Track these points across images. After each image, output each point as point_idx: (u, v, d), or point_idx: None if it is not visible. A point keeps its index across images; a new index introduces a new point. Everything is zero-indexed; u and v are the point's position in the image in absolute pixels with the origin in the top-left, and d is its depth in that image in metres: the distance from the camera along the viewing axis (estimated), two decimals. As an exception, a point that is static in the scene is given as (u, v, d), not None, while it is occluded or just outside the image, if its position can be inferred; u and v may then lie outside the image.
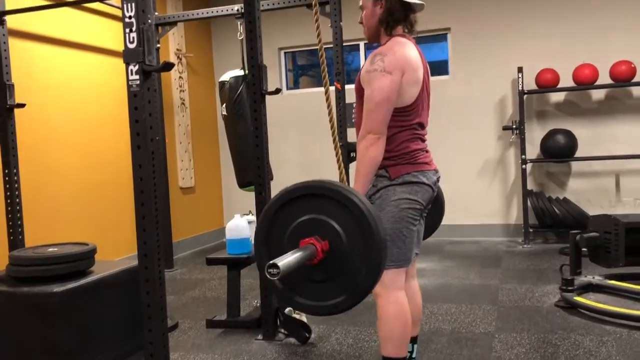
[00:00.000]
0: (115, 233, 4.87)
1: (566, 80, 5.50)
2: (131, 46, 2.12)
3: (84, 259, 2.87)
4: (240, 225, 3.59)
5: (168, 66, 2.17)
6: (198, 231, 6.29)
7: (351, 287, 1.83)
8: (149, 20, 2.16)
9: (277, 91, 3.20)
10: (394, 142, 2.26)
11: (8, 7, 3.64)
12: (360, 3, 2.39)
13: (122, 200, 4.89)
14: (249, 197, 3.90)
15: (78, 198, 4.59)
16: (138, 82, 2.13)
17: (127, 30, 2.12)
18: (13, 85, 3.59)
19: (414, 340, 2.54)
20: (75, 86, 4.64)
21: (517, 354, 2.84)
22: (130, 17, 2.12)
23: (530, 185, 5.80)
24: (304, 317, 3.27)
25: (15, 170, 3.59)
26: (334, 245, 1.82)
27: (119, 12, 5.05)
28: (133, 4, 2.12)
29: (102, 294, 2.82)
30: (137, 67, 2.12)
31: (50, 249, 2.90)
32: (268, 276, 1.65)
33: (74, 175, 4.57)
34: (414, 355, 2.55)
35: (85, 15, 4.79)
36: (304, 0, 4.58)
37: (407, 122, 2.27)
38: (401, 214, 2.23)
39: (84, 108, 4.70)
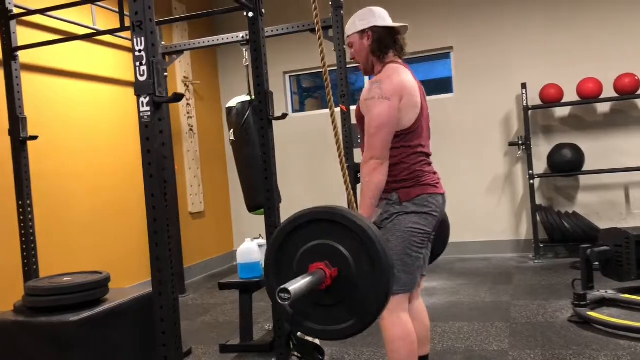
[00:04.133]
0: (127, 260, 4.91)
1: (570, 95, 5.54)
2: (142, 79, 2.18)
3: (99, 287, 2.89)
4: (251, 249, 3.63)
5: (178, 97, 2.22)
6: (208, 255, 6.32)
7: (360, 311, 1.84)
8: (159, 54, 2.21)
9: (284, 116, 3.25)
10: (401, 166, 2.31)
11: (20, 43, 3.74)
12: (347, 41, 2.48)
13: (132, 227, 4.95)
14: (258, 221, 3.94)
15: (90, 227, 4.64)
16: (149, 113, 2.18)
17: (138, 63, 2.18)
18: (26, 119, 3.67)
19: (425, 358, 2.55)
20: (85, 116, 4.73)
21: (532, 371, 2.84)
22: (140, 51, 2.18)
23: (539, 200, 5.80)
24: (317, 340, 3.28)
25: (28, 202, 3.65)
26: (343, 270, 1.83)
27: (126, 43, 5.18)
28: (143, 39, 2.18)
29: (117, 321, 2.83)
30: (147, 99, 2.18)
31: (66, 279, 2.94)
32: (279, 301, 1.67)
33: (86, 204, 4.63)
34: (427, 375, 2.55)
35: (94, 47, 4.90)
36: (308, 25, 4.67)
37: (410, 145, 2.32)
38: (411, 239, 2.27)
39: (94, 138, 4.79)
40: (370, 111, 2.24)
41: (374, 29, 2.38)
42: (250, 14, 3.20)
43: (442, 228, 2.56)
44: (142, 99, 2.18)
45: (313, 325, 1.92)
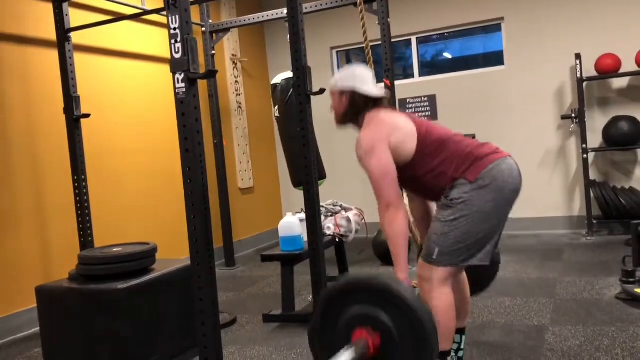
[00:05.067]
0: (178, 232, 5.09)
1: (628, 65, 5.29)
2: (177, 56, 2.26)
3: (146, 257, 3.04)
4: (293, 223, 3.70)
5: (211, 73, 2.30)
6: (258, 230, 6.47)
7: None
8: (192, 31, 2.28)
9: (321, 91, 3.27)
10: (445, 161, 2.31)
11: (72, 25, 3.91)
12: (329, 91, 2.56)
13: (182, 201, 5.11)
14: (302, 196, 4.00)
15: (143, 200, 4.85)
16: (184, 89, 2.26)
17: (173, 41, 2.25)
18: (79, 97, 3.85)
19: (461, 331, 2.56)
20: (134, 94, 4.90)
21: (571, 346, 2.80)
22: (175, 29, 2.25)
23: (593, 175, 5.61)
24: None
25: (83, 177, 3.85)
26: (386, 339, 1.90)
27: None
28: (177, 16, 2.24)
29: (163, 290, 2.98)
30: (182, 75, 2.25)
31: (115, 249, 3.10)
32: None
33: (137, 179, 4.83)
34: (462, 347, 2.57)
35: (143, 26, 5.04)
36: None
37: (435, 147, 2.34)
38: (485, 218, 2.24)
39: (144, 114, 4.96)
40: (366, 167, 2.33)
41: (353, 92, 2.45)
42: (289, -10, 3.22)
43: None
44: (177, 75, 2.26)
45: None
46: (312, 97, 3.26)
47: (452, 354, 2.50)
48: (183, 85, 2.26)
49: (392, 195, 2.27)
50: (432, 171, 2.33)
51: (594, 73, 5.42)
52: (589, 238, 5.35)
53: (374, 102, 2.46)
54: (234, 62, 6.24)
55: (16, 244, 3.84)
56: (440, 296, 2.28)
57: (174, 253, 4.55)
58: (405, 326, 1.88)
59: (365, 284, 2.03)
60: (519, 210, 5.70)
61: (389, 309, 1.91)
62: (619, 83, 5.61)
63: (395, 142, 2.31)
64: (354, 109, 2.46)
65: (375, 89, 2.46)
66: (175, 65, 2.26)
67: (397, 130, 2.34)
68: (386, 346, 1.90)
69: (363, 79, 2.47)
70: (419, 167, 2.35)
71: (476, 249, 2.27)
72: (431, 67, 6.64)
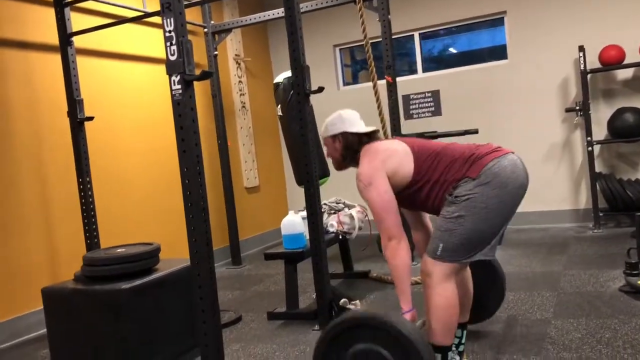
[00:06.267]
0: (184, 232, 5.13)
1: (633, 56, 5.25)
2: (172, 58, 2.28)
3: (149, 257, 3.07)
4: (295, 221, 3.72)
5: (207, 74, 2.31)
6: (264, 229, 6.50)
7: None
8: (187, 34, 2.30)
9: (320, 90, 3.29)
10: (445, 167, 2.34)
11: (74, 29, 3.95)
12: (322, 141, 2.68)
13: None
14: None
15: (147, 201, 4.89)
16: (180, 91, 2.28)
17: (168, 43, 2.28)
18: (82, 101, 3.90)
19: (463, 326, 2.57)
20: (137, 96, 4.95)
21: (572, 339, 2.80)
22: (170, 32, 2.28)
23: (599, 168, 5.58)
24: (358, 306, 3.35)
25: (88, 179, 3.90)
26: None
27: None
28: (172, 19, 2.27)
29: (165, 289, 3.01)
30: (178, 77, 2.28)
31: (119, 250, 3.14)
32: None
33: (141, 180, 4.87)
34: (463, 341, 2.57)
35: (145, 29, 5.08)
36: (351, -4, 4.63)
37: (432, 158, 2.38)
38: (490, 214, 2.25)
39: (146, 116, 5.00)
40: (367, 201, 2.40)
41: (344, 134, 2.56)
42: (285, -11, 3.24)
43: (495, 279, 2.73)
44: (173, 77, 2.29)
45: None
46: (315, 94, 3.28)
47: (453, 348, 2.51)
48: (179, 87, 2.28)
49: (393, 227, 2.34)
50: (436, 183, 2.36)
51: (597, 65, 5.39)
52: (595, 231, 5.33)
53: (368, 137, 2.56)
54: (237, 62, 6.27)
55: (23, 247, 3.90)
56: (444, 292, 2.29)
57: (179, 252, 4.59)
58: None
59: (366, 321, 2.07)
60: (526, 205, 5.68)
61: (391, 347, 1.98)
62: (623, 74, 5.57)
63: (392, 167, 2.39)
64: (350, 149, 2.57)
65: (364, 127, 2.58)
66: (171, 68, 2.29)
67: (391, 155, 2.42)
68: None
69: (351, 120, 2.60)
70: (421, 184, 2.39)
71: (481, 245, 2.29)
72: (435, 62, 6.63)
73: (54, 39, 3.93)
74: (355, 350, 2.05)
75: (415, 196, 2.43)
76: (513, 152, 2.39)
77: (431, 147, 2.43)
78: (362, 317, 2.12)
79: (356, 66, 7.31)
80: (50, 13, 3.96)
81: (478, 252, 2.30)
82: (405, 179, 2.40)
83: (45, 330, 3.13)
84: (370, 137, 2.58)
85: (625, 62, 5.28)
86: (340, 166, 2.66)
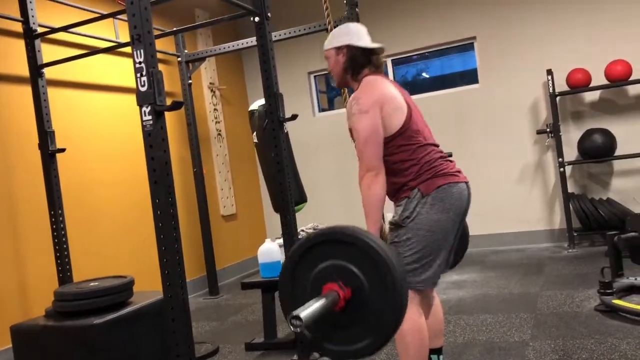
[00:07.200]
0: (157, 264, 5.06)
1: (598, 79, 5.39)
2: (143, 89, 2.27)
3: (122, 291, 3.01)
4: (272, 249, 3.70)
5: (178, 105, 2.30)
6: (242, 257, 6.44)
7: (377, 329, 1.83)
8: (157, 65, 2.30)
9: (294, 117, 3.30)
10: (410, 163, 2.33)
11: (45, 60, 3.92)
12: (324, 54, 2.54)
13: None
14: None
15: (120, 232, 4.81)
16: (151, 122, 2.27)
17: (138, 74, 2.27)
18: (53, 132, 3.85)
19: (438, 351, 2.56)
20: (111, 126, 4.89)
21: (550, 361, 2.81)
22: (140, 63, 2.27)
23: (572, 188, 5.67)
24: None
25: (60, 211, 3.83)
26: (356, 290, 1.83)
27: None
28: (142, 51, 2.26)
29: (139, 323, 2.95)
30: (149, 108, 2.27)
31: (92, 284, 3.07)
32: (292, 328, 1.66)
33: (114, 211, 4.80)
34: (441, 367, 2.56)
35: (117, 59, 5.06)
36: (325, 25, 4.68)
37: (411, 143, 2.34)
38: (434, 237, 2.27)
39: (119, 147, 4.94)
40: (355, 127, 2.31)
41: (349, 47, 2.45)
42: (257, 19, 3.27)
43: (461, 238, 2.55)
44: (144, 108, 2.28)
45: (332, 346, 1.91)
46: (292, 120, 3.29)
47: (432, 375, 2.50)
48: (150, 117, 2.27)
49: (374, 159, 2.27)
50: (401, 162, 2.33)
51: (565, 88, 5.52)
52: (570, 250, 5.39)
53: (374, 63, 2.45)
54: (212, 90, 6.28)
55: (-7, 282, 3.80)
56: (407, 319, 2.28)
57: (154, 285, 4.51)
58: (375, 277, 1.80)
59: (333, 236, 1.90)
60: (502, 226, 5.85)
61: (360, 261, 1.82)
62: (590, 97, 5.71)
63: (387, 111, 2.30)
64: (354, 63, 2.45)
65: (370, 42, 2.47)
66: (141, 98, 2.27)
67: (392, 99, 2.33)
68: (356, 297, 1.82)
69: (358, 33, 2.48)
70: (393, 149, 2.33)
71: (429, 267, 2.30)
72: (409, 86, 6.72)
73: (24, 70, 3.89)
74: (323, 267, 1.87)
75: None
76: (467, 182, 2.41)
77: (419, 129, 2.38)
78: (328, 232, 1.92)
79: (332, 92, 7.37)
80: (20, 44, 3.93)
81: (427, 274, 2.29)
82: (386, 132, 2.31)
83: (14, 369, 3.03)
84: (377, 54, 2.46)
85: (592, 84, 5.42)
86: (341, 81, 2.53)
